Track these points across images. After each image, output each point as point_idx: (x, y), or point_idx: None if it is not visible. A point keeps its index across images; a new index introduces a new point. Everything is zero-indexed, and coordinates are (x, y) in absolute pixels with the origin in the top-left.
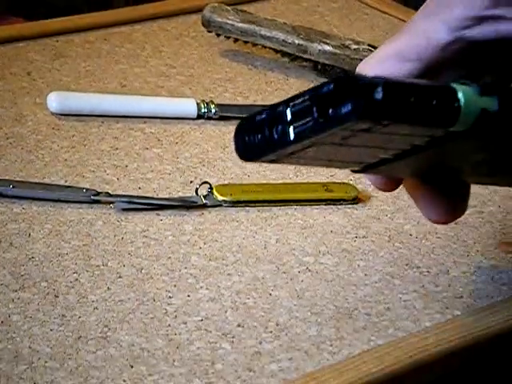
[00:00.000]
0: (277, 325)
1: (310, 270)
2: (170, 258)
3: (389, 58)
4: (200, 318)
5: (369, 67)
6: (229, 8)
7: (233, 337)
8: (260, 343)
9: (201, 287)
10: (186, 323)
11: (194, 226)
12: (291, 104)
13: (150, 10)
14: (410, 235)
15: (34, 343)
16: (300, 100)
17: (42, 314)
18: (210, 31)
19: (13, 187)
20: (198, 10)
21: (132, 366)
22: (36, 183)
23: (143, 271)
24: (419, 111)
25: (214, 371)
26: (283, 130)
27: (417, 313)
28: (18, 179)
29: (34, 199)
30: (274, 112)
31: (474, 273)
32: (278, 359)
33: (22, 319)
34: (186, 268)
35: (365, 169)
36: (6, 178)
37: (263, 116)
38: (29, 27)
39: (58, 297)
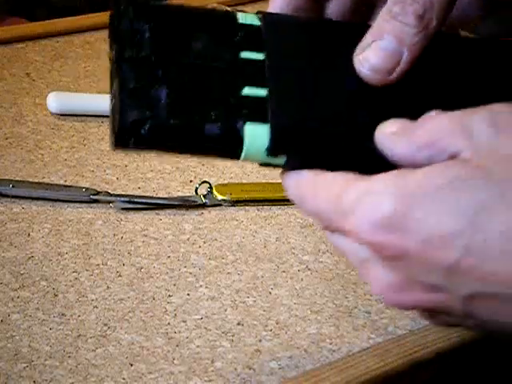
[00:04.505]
0: (276, 323)
1: (309, 269)
2: (169, 256)
3: None
4: (200, 317)
5: None
6: (228, 9)
7: (232, 335)
8: (260, 341)
9: (200, 286)
10: (185, 322)
11: (194, 225)
12: None
13: None
14: None
15: (34, 342)
16: None
17: (41, 313)
18: None
19: (13, 187)
20: None
21: (131, 365)
22: (36, 183)
23: (143, 270)
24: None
25: (214, 369)
26: None
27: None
28: (17, 179)
29: (33, 199)
30: None
31: None
32: (278, 357)
33: (22, 318)
34: (185, 267)
35: None
36: (6, 177)
37: None
38: (29, 28)
39: (57, 295)
